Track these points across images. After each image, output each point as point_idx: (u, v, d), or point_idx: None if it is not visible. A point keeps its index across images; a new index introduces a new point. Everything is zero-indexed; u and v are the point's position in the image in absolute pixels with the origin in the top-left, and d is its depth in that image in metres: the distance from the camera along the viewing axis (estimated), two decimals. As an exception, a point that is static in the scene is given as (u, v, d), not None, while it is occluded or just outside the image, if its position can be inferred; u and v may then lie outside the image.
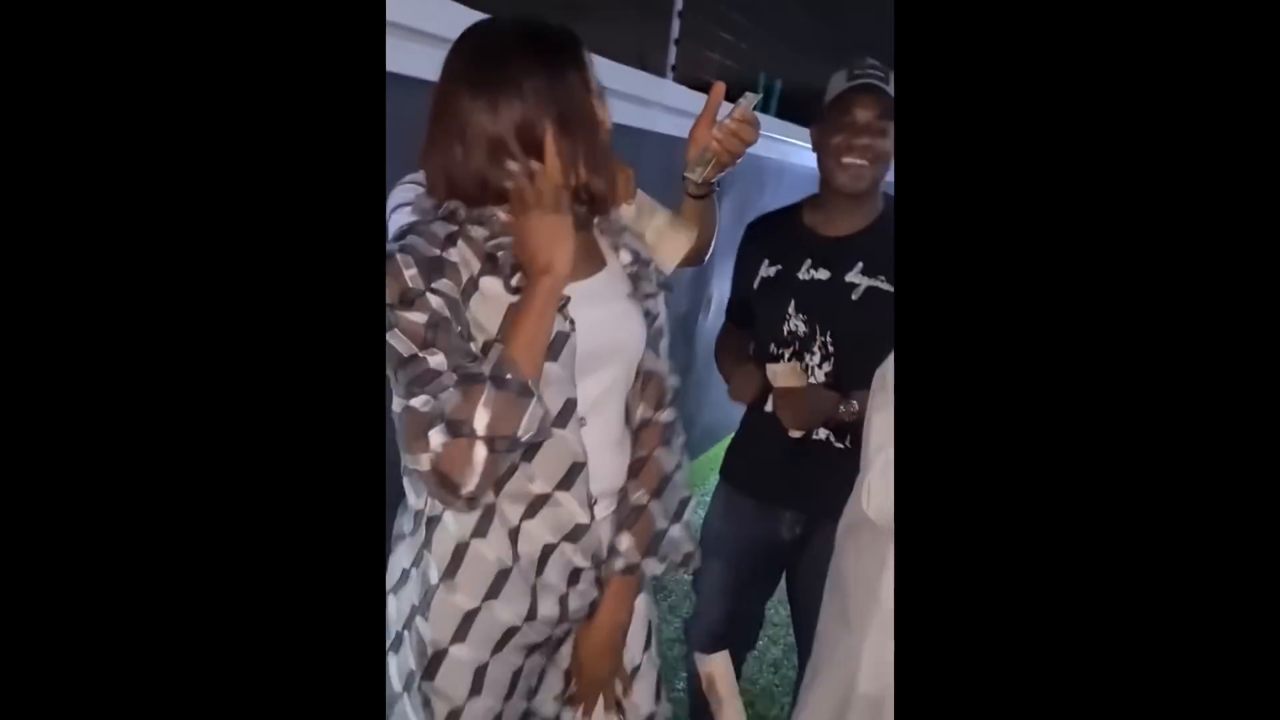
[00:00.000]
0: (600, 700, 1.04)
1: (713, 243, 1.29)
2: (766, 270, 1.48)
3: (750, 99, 1.08)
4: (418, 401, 0.84)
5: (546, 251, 0.89)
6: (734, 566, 1.56)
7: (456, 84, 0.92)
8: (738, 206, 3.85)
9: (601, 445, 0.99)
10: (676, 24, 3.06)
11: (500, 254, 0.92)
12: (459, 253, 0.91)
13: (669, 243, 1.12)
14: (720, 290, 3.90)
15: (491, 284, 0.91)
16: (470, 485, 0.83)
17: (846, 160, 1.37)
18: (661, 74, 3.08)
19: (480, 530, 0.94)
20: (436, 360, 0.85)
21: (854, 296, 1.40)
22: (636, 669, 1.08)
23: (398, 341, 0.86)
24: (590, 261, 1.00)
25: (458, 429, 0.82)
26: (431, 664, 0.95)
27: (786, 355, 1.46)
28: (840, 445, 1.44)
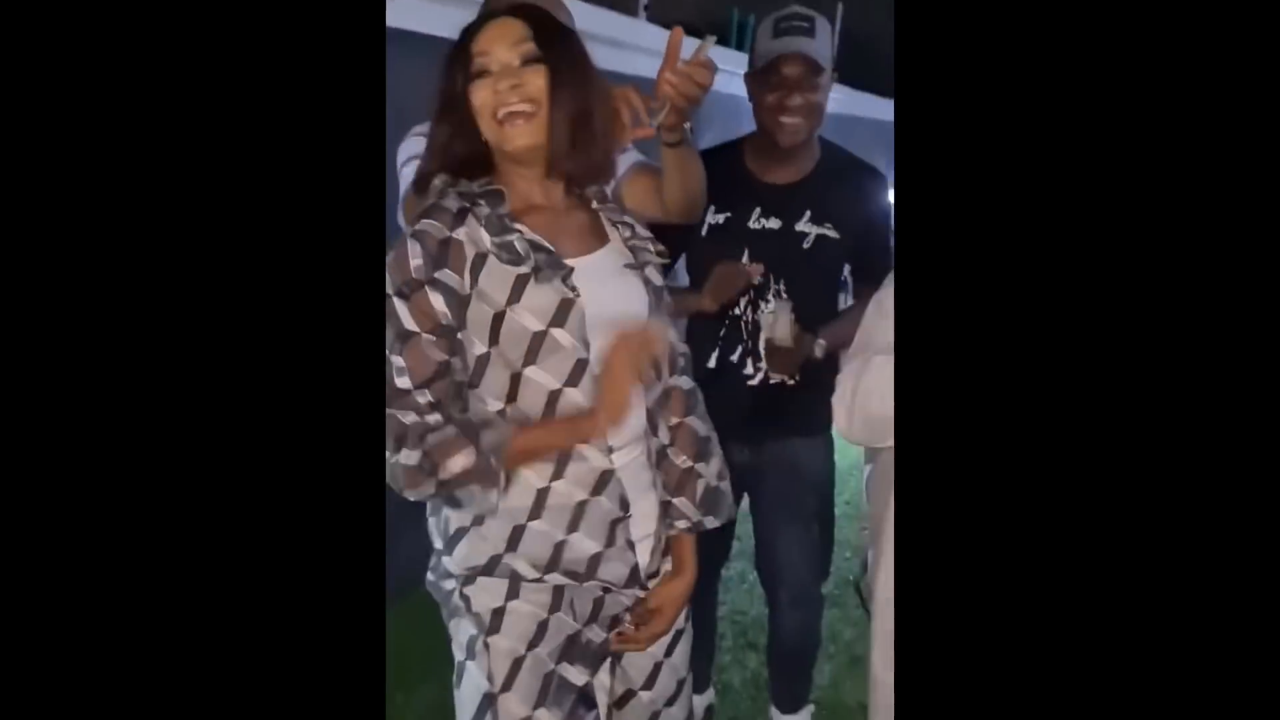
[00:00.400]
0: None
1: (703, 192, 1.26)
2: (714, 217, 1.48)
3: (708, 42, 1.09)
4: (409, 457, 0.91)
5: (611, 412, 0.95)
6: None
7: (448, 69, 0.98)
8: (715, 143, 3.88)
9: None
10: (649, -36, 3.08)
11: (517, 243, 0.94)
12: (467, 231, 0.94)
13: (651, 195, 1.16)
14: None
15: (499, 266, 0.94)
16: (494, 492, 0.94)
17: (783, 119, 1.42)
18: (634, 14, 3.11)
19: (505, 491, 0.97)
20: (412, 368, 0.92)
21: (805, 245, 1.46)
22: (680, 632, 1.13)
23: (392, 321, 0.93)
24: (593, 237, 1.04)
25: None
26: (492, 623, 1.00)
27: (746, 311, 1.50)
28: (791, 382, 1.51)
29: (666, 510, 1.10)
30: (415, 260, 0.92)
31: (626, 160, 1.22)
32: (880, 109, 6.10)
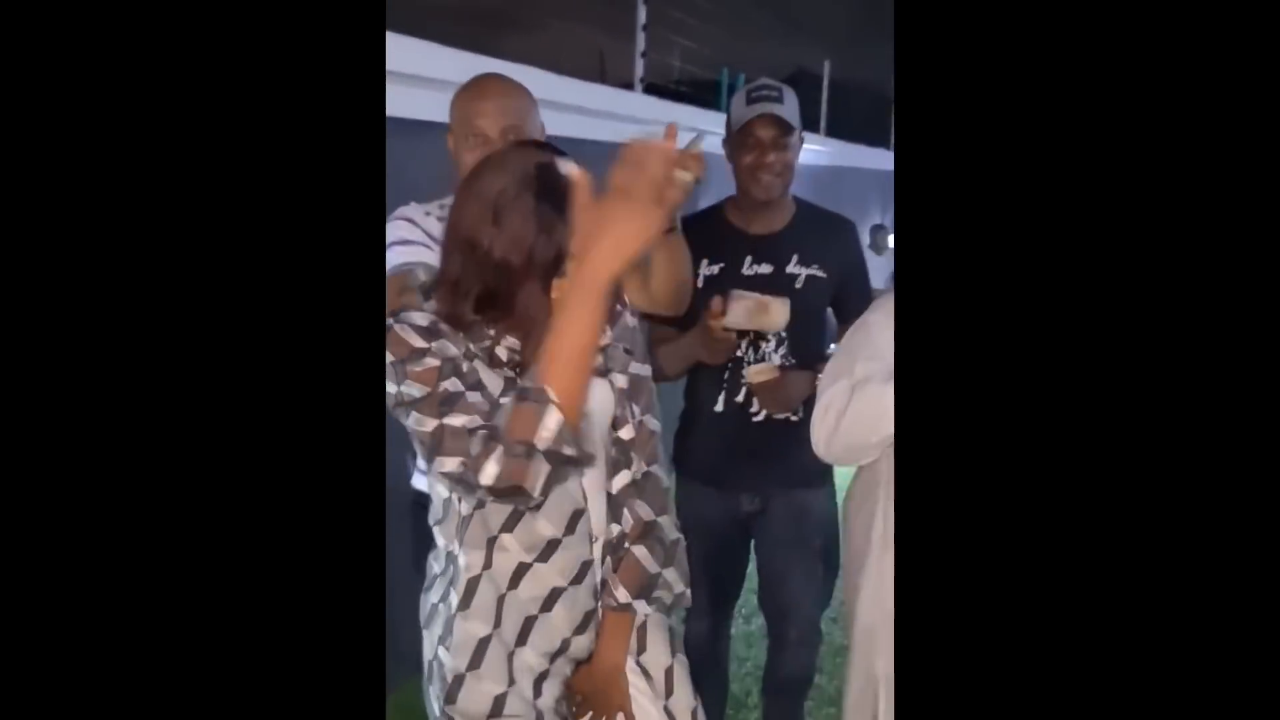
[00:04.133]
0: None
1: (689, 279, 1.30)
2: (709, 269, 1.59)
3: (699, 140, 1.12)
4: (458, 421, 0.90)
5: (611, 242, 0.86)
6: (704, 543, 1.65)
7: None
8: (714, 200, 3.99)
9: (594, 491, 1.07)
10: (641, 37, 3.23)
11: (496, 350, 0.98)
12: (451, 332, 0.96)
13: (639, 287, 1.18)
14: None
15: (484, 368, 0.97)
16: (536, 490, 0.89)
17: (760, 175, 1.56)
18: (631, 87, 3.26)
19: (487, 563, 1.02)
20: (453, 383, 0.92)
21: (797, 285, 1.58)
22: (669, 670, 1.16)
23: (412, 389, 0.92)
24: None
25: (513, 448, 0.87)
26: (452, 689, 1.04)
27: (748, 354, 1.60)
28: (795, 418, 1.61)
29: (605, 587, 1.10)
30: (408, 337, 0.94)
31: None
32: (869, 158, 6.25)
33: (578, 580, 1.05)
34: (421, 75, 1.89)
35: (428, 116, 1.90)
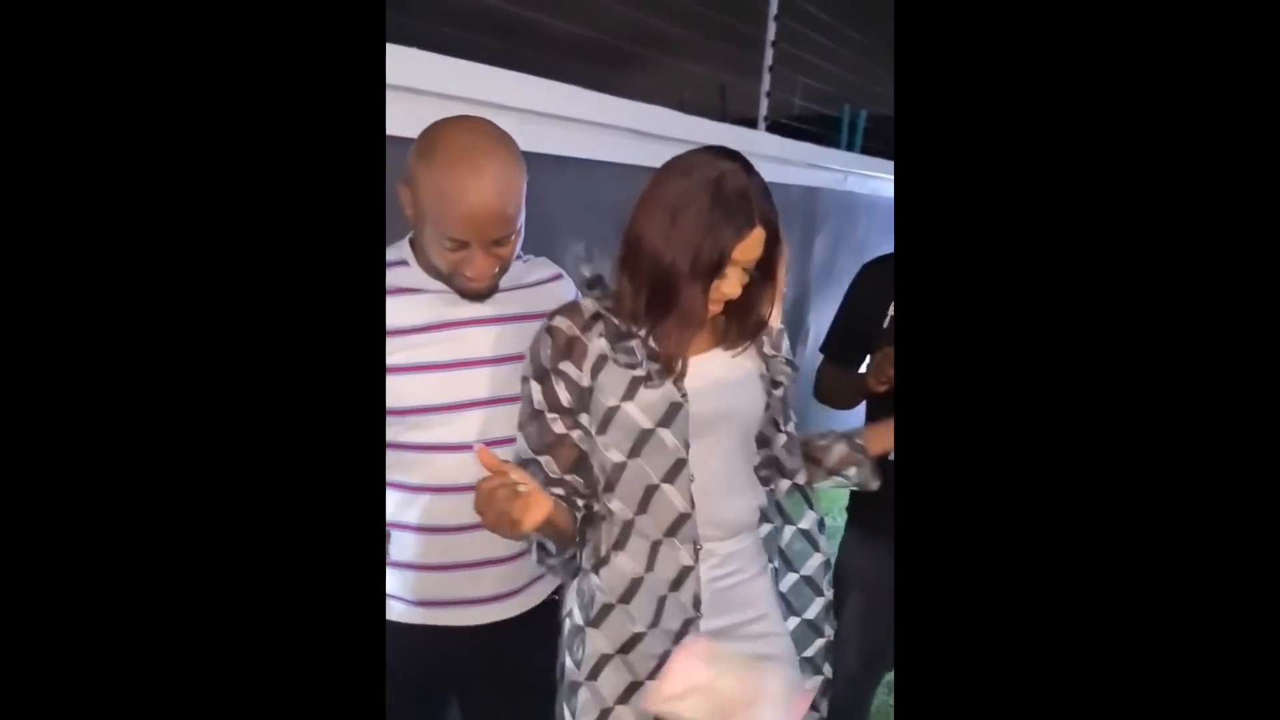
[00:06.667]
0: None
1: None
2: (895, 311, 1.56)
3: None
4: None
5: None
6: (871, 597, 1.65)
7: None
8: (831, 239, 3.97)
9: (715, 492, 1.12)
10: (767, 78, 3.26)
11: (635, 347, 1.08)
12: (594, 335, 1.08)
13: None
14: (818, 325, 4.00)
15: (615, 369, 1.08)
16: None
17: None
18: (755, 126, 3.28)
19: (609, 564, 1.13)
20: (531, 439, 1.09)
21: None
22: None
23: (526, 399, 1.11)
24: (709, 337, 1.15)
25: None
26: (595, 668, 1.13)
27: None
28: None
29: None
30: (546, 351, 1.08)
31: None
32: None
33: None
34: (547, 112, 1.96)
35: (536, 148, 1.97)
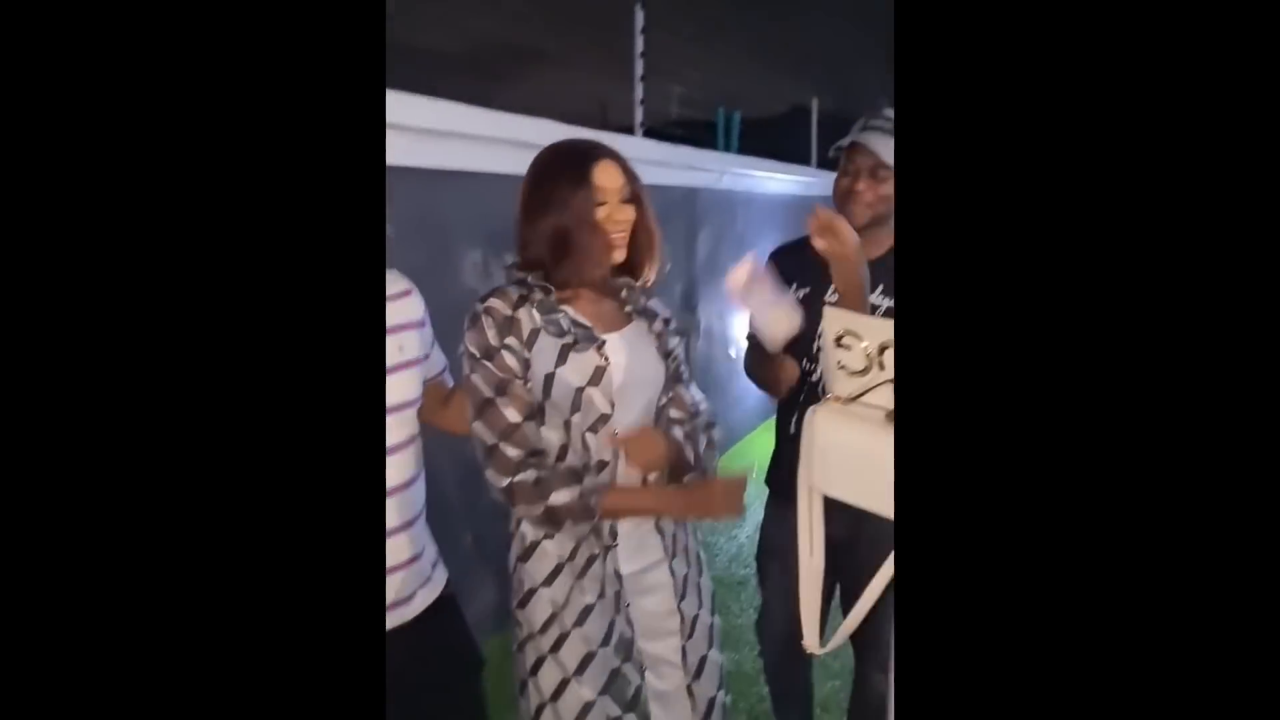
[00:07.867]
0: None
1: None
2: (796, 293, 1.62)
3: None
4: (526, 476, 1.20)
5: (718, 506, 1.28)
6: (793, 569, 1.70)
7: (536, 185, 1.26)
8: (713, 236, 4.12)
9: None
10: (639, 87, 3.37)
11: (561, 319, 1.24)
12: (526, 313, 1.23)
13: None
14: (707, 317, 4.15)
15: (548, 338, 1.23)
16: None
17: (852, 202, 1.60)
18: (632, 132, 3.39)
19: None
20: (510, 411, 1.21)
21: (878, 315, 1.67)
22: (703, 659, 1.37)
23: (479, 383, 1.22)
24: (620, 318, 1.33)
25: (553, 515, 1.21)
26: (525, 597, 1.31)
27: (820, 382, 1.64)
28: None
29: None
30: (490, 331, 1.22)
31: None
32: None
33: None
34: (425, 128, 2.01)
35: (427, 164, 2.00)
